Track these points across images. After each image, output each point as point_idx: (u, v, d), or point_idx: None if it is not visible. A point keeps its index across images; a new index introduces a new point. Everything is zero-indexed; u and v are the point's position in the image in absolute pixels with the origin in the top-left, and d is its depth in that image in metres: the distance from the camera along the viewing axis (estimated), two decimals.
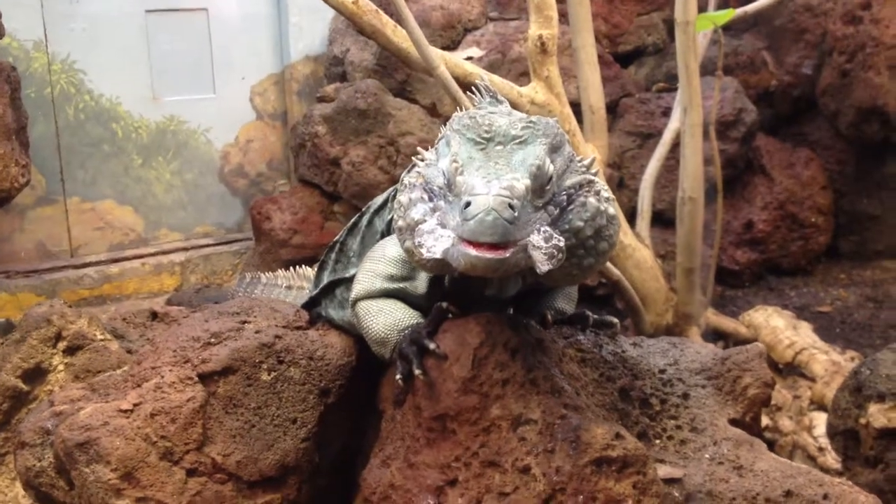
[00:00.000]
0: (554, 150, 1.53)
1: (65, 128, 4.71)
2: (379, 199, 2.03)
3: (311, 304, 2.23)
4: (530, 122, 1.54)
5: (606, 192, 1.59)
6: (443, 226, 1.46)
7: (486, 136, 1.51)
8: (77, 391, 1.96)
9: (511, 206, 1.37)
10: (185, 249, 5.07)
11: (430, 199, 1.52)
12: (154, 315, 2.84)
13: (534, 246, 1.41)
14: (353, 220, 2.13)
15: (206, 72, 5.06)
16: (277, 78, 5.31)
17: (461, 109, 1.72)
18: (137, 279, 4.84)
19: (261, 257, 4.83)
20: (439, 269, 1.58)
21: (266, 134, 5.36)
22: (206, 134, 5.15)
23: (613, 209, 1.59)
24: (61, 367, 2.26)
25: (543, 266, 1.40)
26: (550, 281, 1.62)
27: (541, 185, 1.46)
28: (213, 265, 5.06)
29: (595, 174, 1.60)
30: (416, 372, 1.58)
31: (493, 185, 1.40)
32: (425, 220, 1.49)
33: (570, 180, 1.53)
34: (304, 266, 2.78)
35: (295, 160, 5.04)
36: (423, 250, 1.45)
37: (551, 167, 1.49)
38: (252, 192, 5.34)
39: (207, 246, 5.15)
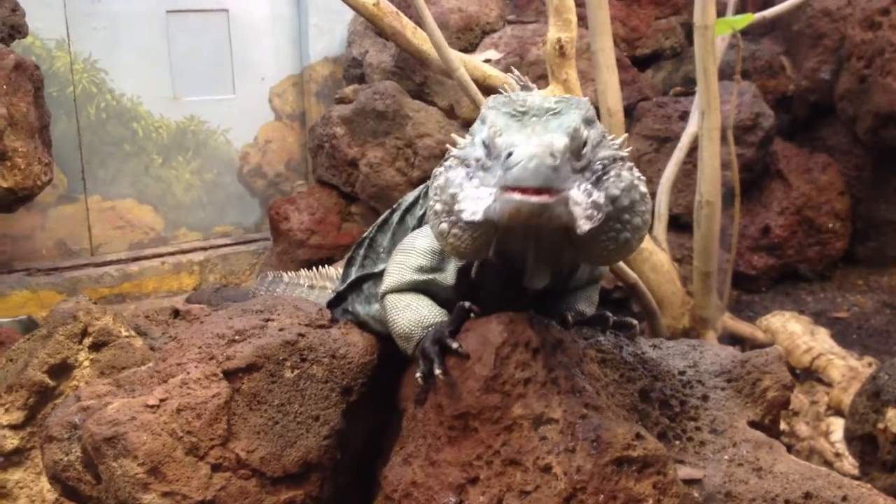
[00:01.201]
0: (588, 122, 1.57)
1: (86, 127, 4.76)
2: (410, 197, 2.07)
3: (338, 300, 2.26)
4: (563, 97, 1.59)
5: (638, 173, 1.63)
6: (482, 188, 1.49)
7: (521, 109, 1.55)
8: (103, 387, 1.99)
9: (552, 155, 1.41)
10: (204, 249, 5.11)
11: (468, 173, 1.55)
12: (176, 313, 2.88)
13: (574, 201, 1.44)
14: (383, 216, 2.16)
15: (226, 72, 5.11)
16: (296, 79, 5.35)
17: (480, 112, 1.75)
18: (157, 278, 4.88)
19: (278, 257, 4.87)
20: (474, 249, 1.59)
21: (285, 135, 5.40)
22: (226, 134, 5.20)
23: (645, 189, 1.62)
24: (87, 362, 2.29)
25: (583, 224, 1.43)
26: (587, 256, 1.63)
27: (577, 148, 1.50)
28: (232, 265, 5.10)
29: (627, 154, 1.63)
30: (437, 371, 1.60)
31: (534, 139, 1.45)
32: (463, 190, 1.52)
33: (604, 153, 1.57)
34: (326, 266, 2.81)
35: (313, 161, 5.07)
36: (465, 215, 1.48)
37: (586, 132, 1.54)
38: (270, 192, 5.38)
39: (226, 245, 5.20)
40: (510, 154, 1.42)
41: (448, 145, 1.69)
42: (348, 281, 2.22)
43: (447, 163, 1.63)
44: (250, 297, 3.33)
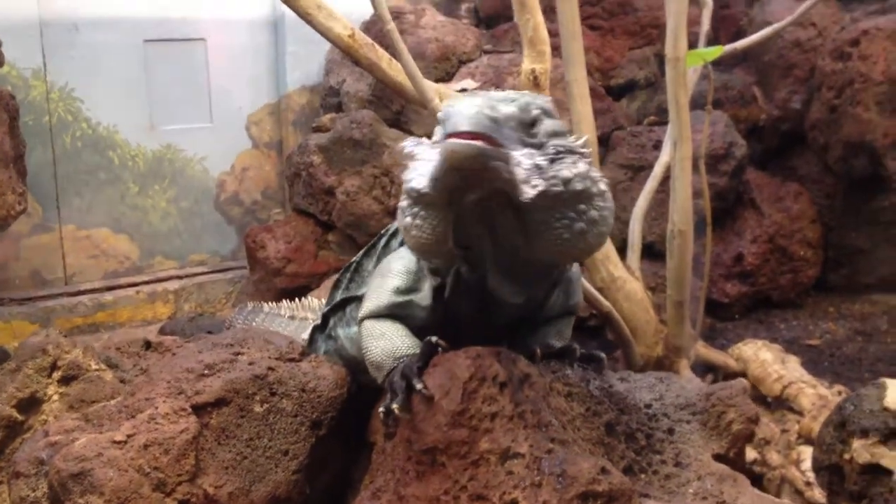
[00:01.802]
0: (545, 112, 1.62)
1: (62, 156, 4.75)
2: (396, 223, 2.10)
3: (324, 324, 2.28)
4: (523, 93, 1.65)
5: (600, 174, 1.67)
6: (422, 159, 1.55)
7: (475, 96, 1.60)
8: (71, 421, 1.98)
9: (491, 107, 1.47)
10: (180, 277, 5.09)
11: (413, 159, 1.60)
12: (148, 344, 2.86)
13: (516, 161, 1.47)
14: (371, 242, 2.20)
15: (204, 101, 5.11)
16: (273, 108, 5.36)
17: None
18: (131, 307, 4.85)
19: (255, 286, 4.86)
20: (434, 238, 1.63)
21: (262, 163, 5.41)
22: (203, 162, 5.19)
23: (606, 188, 1.65)
24: (56, 396, 2.28)
25: (526, 189, 1.46)
26: (541, 246, 1.63)
27: (526, 121, 1.56)
28: (208, 293, 5.08)
29: (589, 154, 1.66)
30: (394, 406, 1.61)
31: (477, 100, 1.50)
32: (414, 170, 1.58)
33: (562, 141, 1.61)
34: (309, 297, 2.82)
35: (290, 189, 5.07)
36: (415, 184, 1.53)
37: (540, 116, 1.59)
38: (247, 220, 5.37)
39: (202, 274, 5.17)
40: (451, 107, 1.48)
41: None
42: (333, 303, 2.25)
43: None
44: (226, 327, 3.33)
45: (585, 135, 1.76)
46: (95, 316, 4.73)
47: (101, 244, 4.93)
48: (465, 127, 1.43)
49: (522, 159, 1.48)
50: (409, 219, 1.65)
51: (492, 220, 1.59)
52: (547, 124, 1.60)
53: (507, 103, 1.54)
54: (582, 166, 1.58)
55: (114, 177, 4.93)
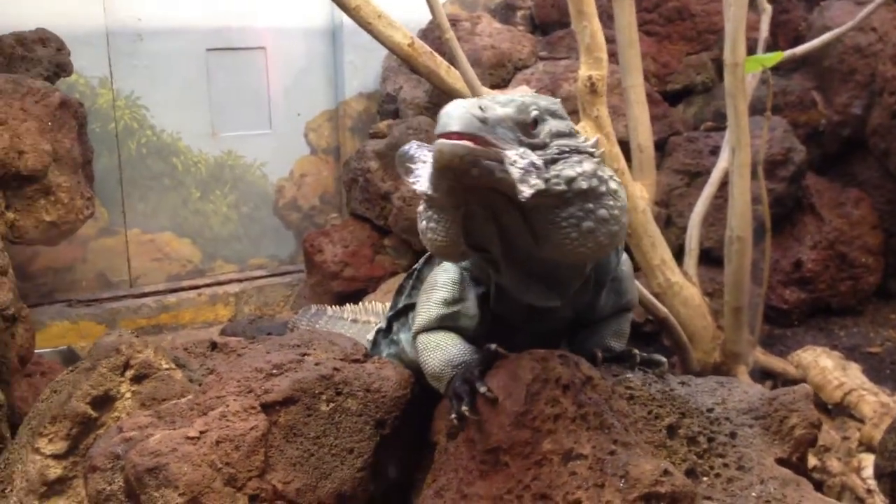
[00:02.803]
0: (550, 112, 1.62)
1: (127, 162, 4.89)
2: None
3: (387, 328, 2.32)
4: (531, 95, 1.65)
5: (611, 173, 1.66)
6: (423, 161, 1.56)
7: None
8: (144, 418, 2.05)
9: (480, 108, 1.47)
10: (240, 281, 5.21)
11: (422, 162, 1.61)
12: (214, 345, 2.94)
13: (511, 161, 1.46)
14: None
15: (263, 108, 5.23)
16: (332, 114, 5.46)
17: None
18: (193, 309, 4.97)
19: (312, 289, 4.94)
20: (449, 240, 1.64)
21: (319, 168, 5.50)
22: (262, 168, 5.31)
23: (617, 187, 1.64)
24: (128, 394, 2.35)
25: (523, 188, 1.45)
26: (550, 246, 1.62)
27: (525, 122, 1.55)
28: (266, 296, 5.19)
29: (600, 155, 1.66)
30: (464, 409, 1.63)
31: (468, 101, 1.50)
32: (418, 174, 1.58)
33: (567, 142, 1.60)
34: (373, 301, 2.86)
35: (347, 194, 5.16)
36: (416, 186, 1.55)
37: (544, 116, 1.58)
38: (305, 225, 5.47)
39: (261, 277, 5.29)
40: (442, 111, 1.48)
41: None
42: (396, 309, 2.28)
43: None
44: (288, 329, 3.40)
45: (595, 136, 1.75)
46: (159, 317, 4.86)
47: (164, 248, 5.07)
48: (452, 127, 1.43)
49: (517, 158, 1.47)
50: (424, 222, 1.67)
51: (500, 220, 1.59)
52: (552, 125, 1.59)
53: (503, 104, 1.53)
54: (588, 165, 1.58)
55: (177, 182, 5.07)
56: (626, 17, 3.36)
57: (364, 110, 5.45)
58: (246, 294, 5.12)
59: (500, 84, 4.80)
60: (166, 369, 2.43)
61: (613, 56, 3.49)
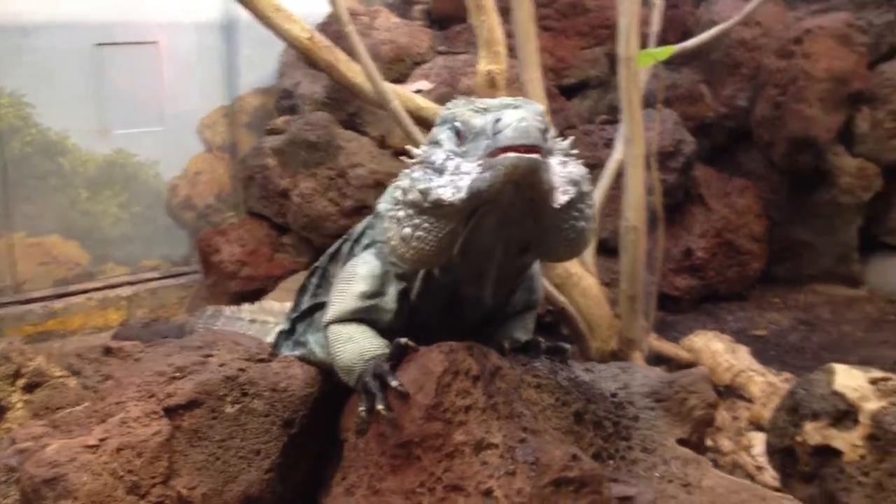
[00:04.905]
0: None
1: (11, 162, 4.66)
2: (359, 227, 2.12)
3: (291, 330, 2.28)
4: (517, 98, 1.69)
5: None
6: (462, 168, 1.56)
7: (482, 106, 1.65)
8: (39, 428, 1.97)
9: (540, 117, 1.52)
10: (132, 283, 5.03)
11: (435, 169, 1.61)
12: (108, 350, 2.84)
13: (553, 171, 1.54)
14: (335, 246, 2.20)
15: (155, 105, 5.07)
16: (227, 110, 5.33)
17: (413, 143, 1.81)
18: (83, 314, 4.79)
19: (209, 290, 4.83)
20: (438, 248, 1.64)
21: (215, 166, 5.38)
22: (155, 167, 5.15)
23: (590, 186, 1.71)
24: (20, 404, 2.26)
25: (561, 196, 1.54)
26: (548, 246, 1.68)
27: (545, 129, 1.59)
28: (160, 299, 5.04)
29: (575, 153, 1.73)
30: (379, 407, 1.64)
31: (518, 110, 1.54)
32: (433, 181, 1.58)
33: (560, 145, 1.68)
34: (269, 300, 2.82)
35: (244, 192, 5.05)
36: (447, 196, 1.54)
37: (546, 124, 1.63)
38: (200, 224, 5.33)
39: (154, 279, 5.12)
40: (499, 120, 1.50)
41: (408, 147, 1.76)
42: (301, 309, 2.25)
43: (408, 170, 1.69)
44: (186, 332, 3.32)
45: (571, 137, 1.81)
46: (46, 324, 4.66)
47: (51, 251, 4.86)
48: (522, 141, 1.47)
49: (557, 167, 1.55)
50: (408, 230, 1.63)
51: (510, 227, 1.61)
52: (550, 131, 1.66)
53: (535, 113, 1.57)
54: (580, 168, 1.66)
55: (64, 182, 4.86)
56: (524, 11, 3.40)
57: (261, 106, 5.35)
58: (139, 297, 4.96)
59: (400, 79, 4.79)
60: (59, 377, 2.34)
61: (511, 51, 3.53)
